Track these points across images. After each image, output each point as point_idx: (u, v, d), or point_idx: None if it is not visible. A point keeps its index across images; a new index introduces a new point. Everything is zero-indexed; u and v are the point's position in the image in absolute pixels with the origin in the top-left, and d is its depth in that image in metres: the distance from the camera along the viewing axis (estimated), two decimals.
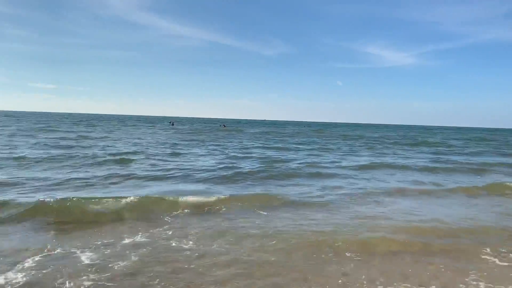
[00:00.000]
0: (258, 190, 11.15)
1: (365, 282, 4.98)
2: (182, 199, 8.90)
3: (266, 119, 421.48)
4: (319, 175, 14.37)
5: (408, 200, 10.26)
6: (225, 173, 13.65)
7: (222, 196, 9.39)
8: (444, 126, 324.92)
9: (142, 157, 17.82)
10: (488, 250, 6.27)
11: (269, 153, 23.04)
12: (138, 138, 31.73)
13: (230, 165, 15.96)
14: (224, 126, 74.05)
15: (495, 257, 5.99)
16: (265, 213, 8.44)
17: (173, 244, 6.20)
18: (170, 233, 6.80)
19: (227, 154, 21.28)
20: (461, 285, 4.92)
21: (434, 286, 4.88)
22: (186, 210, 8.32)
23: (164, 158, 18.11)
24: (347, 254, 5.94)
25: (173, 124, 69.26)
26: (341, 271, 5.30)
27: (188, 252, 5.87)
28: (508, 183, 13.13)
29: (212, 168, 14.89)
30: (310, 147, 29.26)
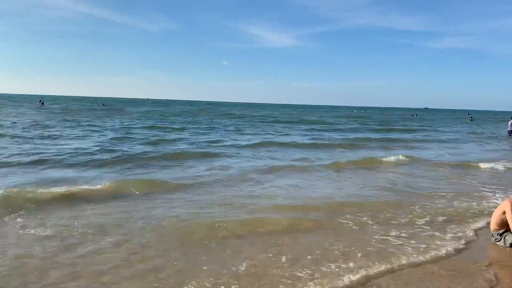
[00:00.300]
0: (138, 174, 10.69)
1: (229, 258, 5.07)
2: (47, 188, 8.02)
3: (149, 98, 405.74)
4: (204, 155, 14.38)
5: (289, 178, 10.72)
6: (102, 157, 12.78)
7: (97, 184, 8.76)
8: (320, 105, 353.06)
9: (4, 141, 15.70)
10: (349, 216, 7.03)
11: (153, 133, 22.30)
12: (0, 119, 27.75)
13: (110, 147, 15.03)
14: (103, 105, 69.32)
15: (353, 222, 6.76)
16: (140, 198, 8.04)
17: (27, 236, 5.57)
18: (26, 224, 6.05)
19: (106, 135, 19.98)
20: (317, 252, 5.34)
21: (290, 255, 5.20)
22: (50, 200, 7.41)
23: (32, 141, 16.24)
24: (222, 236, 5.90)
25: (43, 103, 61.88)
26: (210, 254, 5.24)
27: (44, 242, 5.35)
28: (377, 157, 14.83)
29: (88, 151, 13.81)
30: (196, 127, 29.19)
